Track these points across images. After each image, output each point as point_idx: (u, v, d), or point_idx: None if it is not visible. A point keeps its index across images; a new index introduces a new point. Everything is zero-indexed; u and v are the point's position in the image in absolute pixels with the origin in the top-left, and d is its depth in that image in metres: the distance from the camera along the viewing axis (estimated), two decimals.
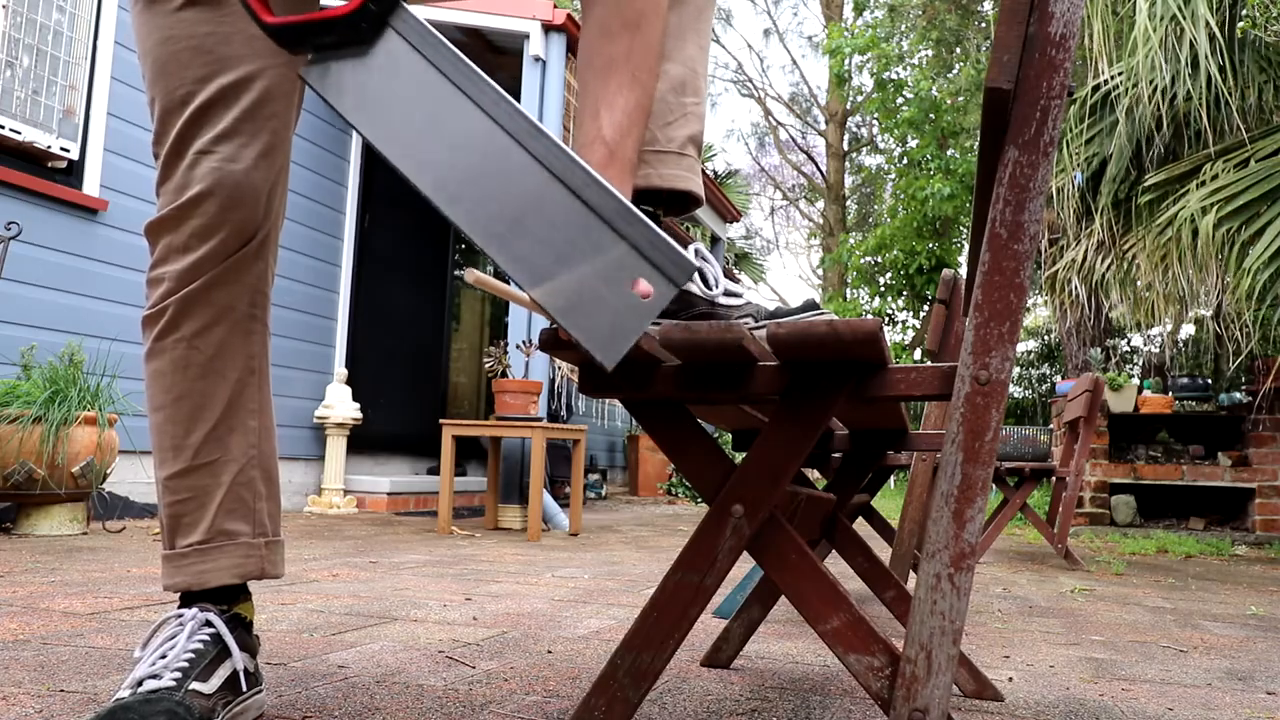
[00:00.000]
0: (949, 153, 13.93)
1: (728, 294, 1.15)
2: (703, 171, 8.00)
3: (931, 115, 14.12)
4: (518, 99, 5.71)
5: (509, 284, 0.91)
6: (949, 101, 13.97)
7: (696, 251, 1.14)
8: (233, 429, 1.24)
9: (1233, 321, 5.18)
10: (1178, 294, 5.65)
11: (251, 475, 1.25)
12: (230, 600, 1.25)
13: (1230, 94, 5.25)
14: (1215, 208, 4.57)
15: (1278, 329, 4.62)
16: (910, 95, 14.51)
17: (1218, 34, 4.95)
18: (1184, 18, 4.94)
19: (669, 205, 1.28)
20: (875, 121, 17.54)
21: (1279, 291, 4.40)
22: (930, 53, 15.68)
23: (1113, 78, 5.90)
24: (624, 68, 1.06)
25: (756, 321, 1.12)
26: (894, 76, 15.13)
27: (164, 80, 1.22)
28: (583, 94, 1.10)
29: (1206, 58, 4.95)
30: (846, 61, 15.54)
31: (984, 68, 13.61)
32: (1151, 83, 5.26)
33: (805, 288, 28.65)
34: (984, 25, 14.94)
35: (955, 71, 14.90)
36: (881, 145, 18.54)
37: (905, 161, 14.97)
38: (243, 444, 1.25)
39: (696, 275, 1.13)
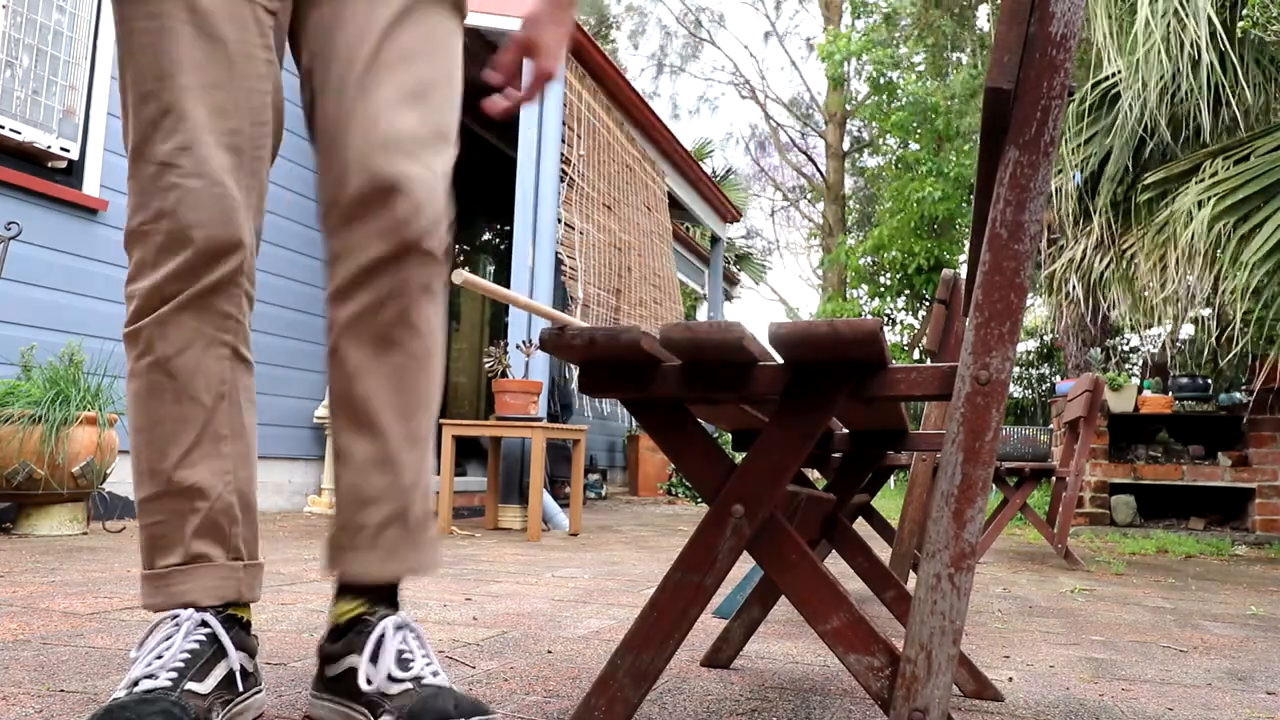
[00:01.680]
0: (950, 156, 13.95)
1: (393, 680, 1.17)
2: (702, 171, 7.96)
3: (928, 119, 14.14)
4: None
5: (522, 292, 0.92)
6: (944, 104, 13.98)
7: (401, 626, 1.22)
8: (206, 455, 1.22)
9: (1231, 320, 5.18)
10: (1177, 293, 5.65)
11: (229, 502, 1.24)
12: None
13: (1230, 93, 5.25)
14: (1212, 201, 4.57)
15: (1273, 327, 4.61)
16: (904, 100, 14.53)
17: (1220, 30, 4.95)
18: (1185, 14, 4.94)
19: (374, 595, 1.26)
20: (874, 125, 17.58)
21: (1275, 288, 4.39)
22: (924, 55, 15.71)
23: (1111, 76, 5.90)
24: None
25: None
26: (889, 78, 15.15)
27: (130, 72, 1.18)
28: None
29: (1207, 50, 4.95)
30: (845, 64, 15.60)
31: (980, 71, 13.62)
32: (1156, 80, 5.26)
33: (805, 288, 28.64)
34: (979, 30, 14.95)
35: (950, 76, 14.92)
36: (882, 146, 18.57)
37: (900, 165, 14.99)
38: (217, 470, 1.23)
39: (367, 659, 1.19)
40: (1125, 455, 6.95)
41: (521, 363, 5.21)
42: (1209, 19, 4.91)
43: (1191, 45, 5.03)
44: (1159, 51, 5.10)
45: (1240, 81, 5.32)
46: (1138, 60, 5.20)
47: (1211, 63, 5.07)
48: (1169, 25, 5.06)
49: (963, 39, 14.94)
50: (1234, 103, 5.28)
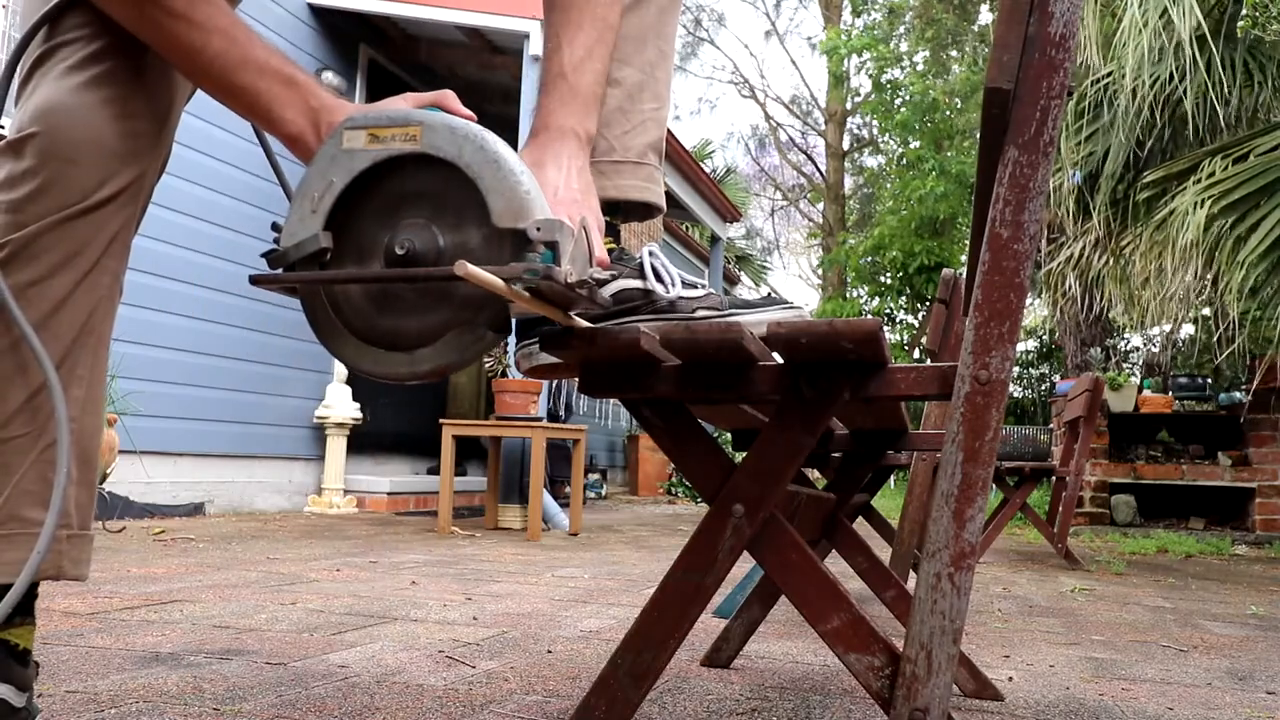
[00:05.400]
0: (950, 154, 13.96)
1: (686, 286, 1.16)
2: (702, 171, 7.97)
3: (928, 117, 14.15)
4: (518, 99, 5.71)
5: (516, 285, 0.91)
6: (945, 102, 13.99)
7: (650, 253, 1.16)
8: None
9: (1225, 316, 5.19)
10: (1175, 292, 5.65)
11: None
12: None
13: (1229, 92, 5.25)
14: (1210, 202, 4.56)
15: (1270, 327, 4.61)
16: (906, 97, 14.56)
17: (1206, 32, 4.95)
18: (1175, 12, 4.94)
19: (628, 215, 1.28)
20: (875, 122, 17.61)
21: (1273, 286, 4.39)
22: (927, 53, 15.73)
23: (1108, 74, 5.90)
24: (583, 3, 1.10)
25: (721, 310, 1.13)
26: (891, 79, 15.18)
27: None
28: (546, 30, 1.12)
29: (1195, 48, 4.95)
30: (845, 61, 15.62)
31: (981, 69, 13.63)
32: (1150, 80, 5.26)
33: (805, 288, 28.67)
34: (980, 28, 14.98)
35: (953, 73, 14.93)
36: (882, 145, 18.58)
37: (904, 162, 15.02)
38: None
39: (651, 275, 1.14)
40: (1125, 455, 6.95)
41: None
42: (1198, 20, 4.91)
43: (1188, 43, 5.03)
44: (1147, 49, 5.09)
45: (1238, 80, 5.32)
46: (1130, 61, 5.20)
47: (1209, 61, 5.07)
48: (1154, 26, 5.06)
49: (964, 32, 14.95)
50: (1233, 101, 5.28)
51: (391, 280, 0.90)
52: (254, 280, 0.93)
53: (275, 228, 0.94)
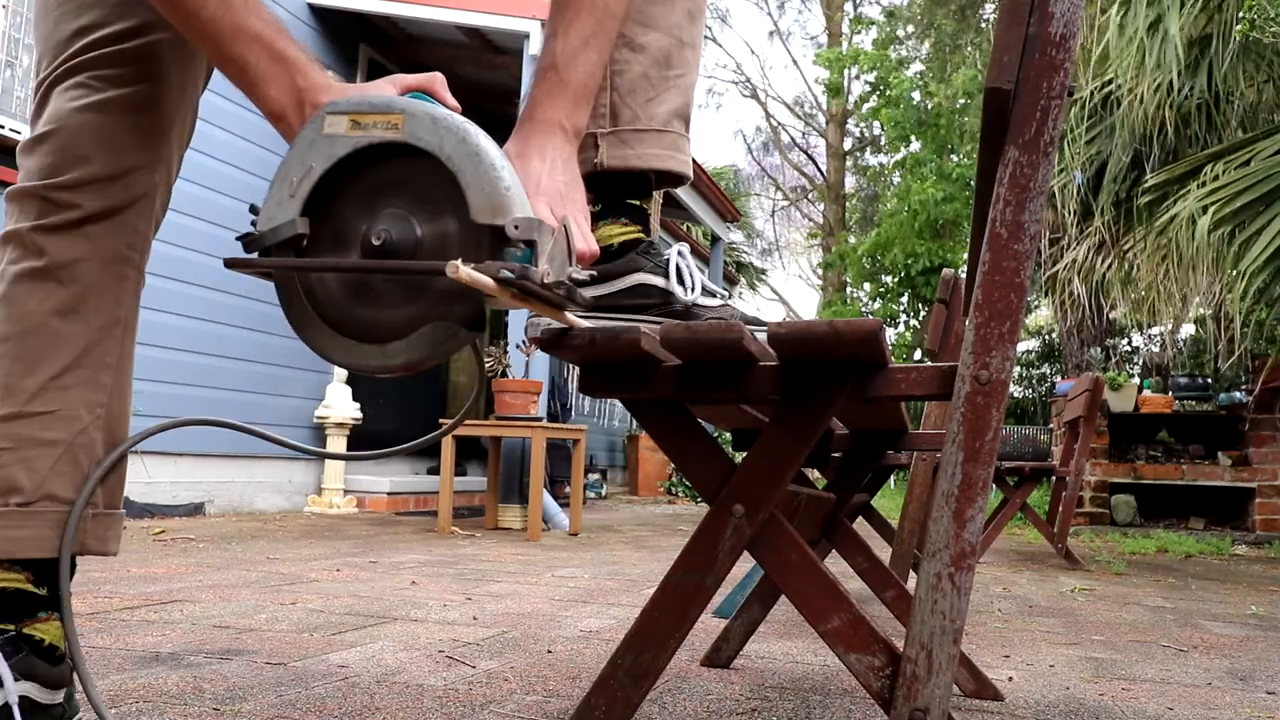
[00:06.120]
0: (954, 159, 13.99)
1: (706, 294, 1.14)
2: (703, 172, 7.95)
3: (928, 122, 14.20)
4: (518, 99, 5.71)
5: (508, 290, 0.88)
6: (945, 104, 14.01)
7: (680, 254, 1.13)
8: (81, 381, 1.06)
9: (1231, 321, 5.18)
10: (1178, 294, 5.65)
11: (94, 437, 1.08)
12: (19, 614, 1.03)
13: (1231, 95, 5.25)
14: (1213, 208, 4.56)
15: (1275, 328, 4.61)
16: (900, 101, 14.62)
17: (1180, 50, 4.95)
18: (1175, 14, 4.94)
19: (657, 183, 1.24)
20: (877, 123, 17.69)
21: (1275, 293, 4.39)
22: (929, 48, 15.76)
23: (1111, 79, 5.91)
24: None
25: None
26: (889, 92, 15.26)
27: (45, 24, 1.16)
28: (549, 16, 1.09)
29: (1198, 57, 4.96)
30: (843, 75, 15.77)
31: (975, 72, 13.64)
32: (1152, 83, 5.26)
33: (805, 288, 28.68)
34: (983, 26, 14.99)
35: (958, 73, 14.97)
36: (886, 146, 18.65)
37: (906, 165, 15.06)
38: (89, 400, 1.07)
39: (674, 276, 1.12)
40: (1125, 455, 6.95)
41: (521, 363, 5.21)
42: (1190, 23, 4.92)
43: (1181, 46, 5.03)
44: (1149, 51, 5.09)
45: (1240, 83, 5.32)
46: (1135, 61, 5.20)
47: (1210, 63, 5.07)
48: (1150, 27, 5.06)
49: (965, 31, 14.98)
50: (1235, 103, 5.28)
51: (369, 271, 0.88)
52: (229, 264, 0.91)
53: (254, 210, 0.92)
